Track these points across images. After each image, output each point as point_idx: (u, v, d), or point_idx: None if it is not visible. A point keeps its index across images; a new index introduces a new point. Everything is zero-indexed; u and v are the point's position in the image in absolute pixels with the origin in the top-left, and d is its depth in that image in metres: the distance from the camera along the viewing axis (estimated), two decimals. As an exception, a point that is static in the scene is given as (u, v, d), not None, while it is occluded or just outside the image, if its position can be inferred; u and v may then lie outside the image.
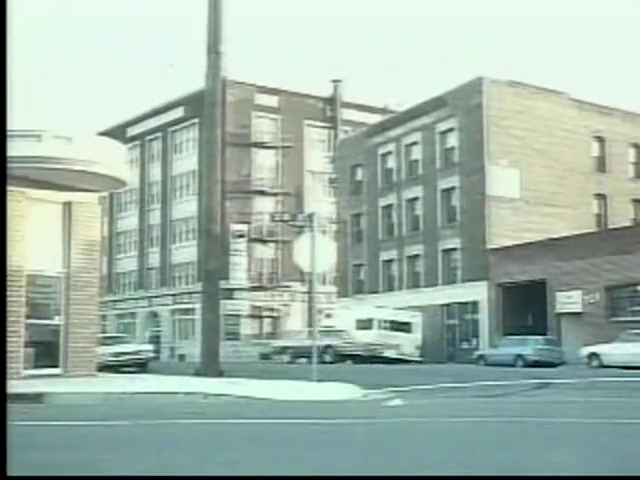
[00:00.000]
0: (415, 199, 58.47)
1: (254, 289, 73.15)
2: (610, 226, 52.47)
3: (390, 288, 59.52)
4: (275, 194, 75.17)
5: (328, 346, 45.01)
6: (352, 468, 6.44)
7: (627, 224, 51.99)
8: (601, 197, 56.13)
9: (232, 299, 68.66)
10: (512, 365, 38.22)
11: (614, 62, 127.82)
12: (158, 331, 77.52)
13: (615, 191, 55.86)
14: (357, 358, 45.60)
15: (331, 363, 42.67)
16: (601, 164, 56.79)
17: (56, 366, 20.75)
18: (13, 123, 16.28)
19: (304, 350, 42.92)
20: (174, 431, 9.70)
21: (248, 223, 73.64)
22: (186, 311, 72.33)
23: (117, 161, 21.67)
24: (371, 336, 47.38)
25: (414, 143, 58.81)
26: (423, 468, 6.45)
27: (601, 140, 56.76)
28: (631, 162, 58.18)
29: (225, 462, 6.81)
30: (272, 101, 76.29)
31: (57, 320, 21.06)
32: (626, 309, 44.25)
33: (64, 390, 15.98)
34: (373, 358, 45.37)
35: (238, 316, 70.77)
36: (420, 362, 46.14)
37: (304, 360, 42.11)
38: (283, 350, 51.38)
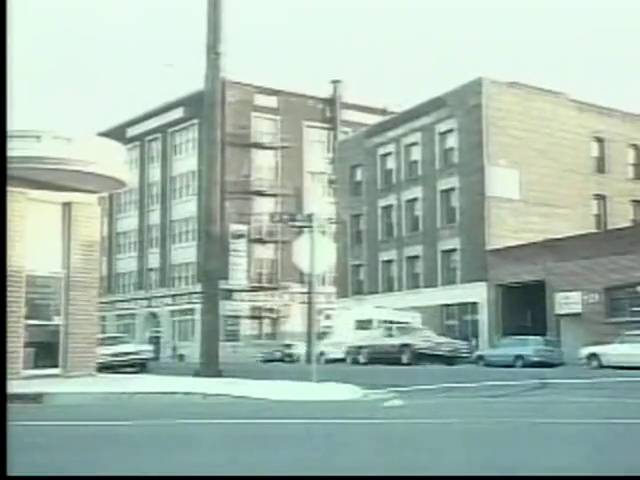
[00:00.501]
0: (414, 200, 58.49)
1: (253, 290, 73.22)
2: (609, 227, 52.48)
3: (389, 289, 59.54)
4: (274, 195, 75.24)
5: (405, 345, 41.29)
6: (349, 468, 6.43)
7: (626, 225, 51.98)
8: (600, 198, 56.16)
9: (232, 300, 68.73)
10: (511, 365, 38.16)
11: (613, 63, 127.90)
12: (158, 331, 77.58)
13: (614, 192, 55.88)
14: (436, 359, 40.49)
15: (408, 364, 39.56)
16: (600, 165, 56.82)
17: (56, 366, 20.76)
18: (13, 124, 16.30)
19: (381, 350, 42.00)
20: (173, 431, 9.70)
21: (247, 224, 73.72)
22: (186, 312, 72.37)
23: (116, 162, 21.67)
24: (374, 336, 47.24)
25: (414, 144, 58.83)
26: (420, 468, 6.45)
27: (600, 141, 56.80)
28: (630, 163, 58.22)
29: (223, 462, 6.81)
30: (271, 102, 76.38)
31: (56, 320, 21.06)
32: (626, 310, 44.22)
33: (63, 390, 15.98)
34: (452, 359, 40.84)
35: (238, 317, 70.85)
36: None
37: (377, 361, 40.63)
38: (358, 350, 44.85)
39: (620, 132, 56.73)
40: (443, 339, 43.84)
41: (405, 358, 40.59)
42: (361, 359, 43.93)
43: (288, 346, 60.73)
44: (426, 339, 42.34)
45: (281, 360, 56.73)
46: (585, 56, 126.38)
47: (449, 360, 40.53)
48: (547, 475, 5.99)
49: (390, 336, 43.30)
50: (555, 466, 6.46)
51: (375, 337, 44.63)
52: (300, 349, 57.46)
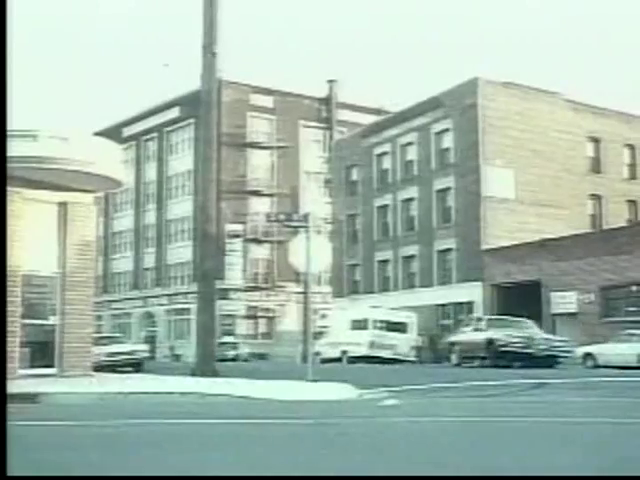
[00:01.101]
0: (410, 199, 58.53)
1: (249, 289, 73.27)
2: (605, 227, 52.55)
3: (385, 288, 59.58)
4: (270, 194, 75.28)
5: (490, 342, 34.63)
6: (345, 467, 6.45)
7: (622, 225, 52.04)
8: (596, 198, 56.23)
9: (227, 299, 68.74)
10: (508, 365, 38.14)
11: (609, 63, 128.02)
12: (153, 331, 77.57)
13: (610, 192, 55.94)
14: (525, 358, 33.35)
15: (505, 367, 31.60)
16: (596, 165, 56.88)
17: (51, 366, 20.76)
18: (9, 123, 16.32)
19: (473, 347, 36.22)
20: (168, 431, 9.71)
21: (243, 223, 73.75)
22: (181, 311, 72.40)
23: (113, 161, 21.68)
24: (368, 336, 47.24)
25: (409, 143, 58.89)
26: (416, 466, 6.47)
27: (596, 141, 56.87)
28: (626, 163, 58.29)
29: (219, 462, 6.82)
30: (267, 101, 76.43)
31: (52, 320, 21.07)
32: (621, 309, 44.31)
33: (59, 390, 15.99)
34: (547, 359, 33.21)
35: (234, 316, 70.86)
36: (415, 362, 46.11)
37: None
38: (451, 348, 39.78)
39: (616, 132, 56.79)
40: (541, 333, 36.09)
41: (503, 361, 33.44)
42: (454, 359, 38.00)
43: (234, 345, 61.45)
44: (513, 334, 34.46)
45: (233, 360, 56.15)
46: (581, 56, 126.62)
47: (543, 361, 32.47)
48: (548, 475, 6.00)
49: (479, 330, 36.92)
50: (550, 465, 6.48)
51: (464, 332, 38.41)
52: (243, 349, 58.18)
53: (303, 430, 9.75)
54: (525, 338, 34.07)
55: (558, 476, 5.95)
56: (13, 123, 17.38)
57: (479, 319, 39.97)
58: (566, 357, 34.21)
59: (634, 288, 43.95)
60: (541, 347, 33.87)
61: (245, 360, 58.53)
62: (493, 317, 41.11)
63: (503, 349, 33.60)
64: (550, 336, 36.55)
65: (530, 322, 37.53)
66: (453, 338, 40.09)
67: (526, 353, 33.35)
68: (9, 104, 13.36)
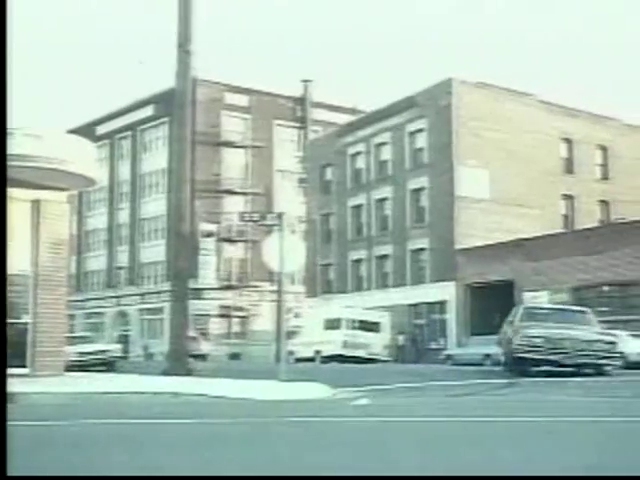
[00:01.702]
0: (384, 199, 58.67)
1: (223, 288, 73.09)
2: (577, 227, 52.89)
3: (359, 288, 59.69)
4: (244, 193, 75.17)
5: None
6: (316, 467, 6.47)
7: (594, 225, 52.40)
8: (569, 198, 56.61)
9: (201, 299, 68.49)
10: (480, 364, 38.34)
11: (582, 64, 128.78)
12: (127, 330, 77.27)
13: (583, 192, 56.34)
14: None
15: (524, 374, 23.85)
16: (569, 165, 57.29)
17: (24, 366, 20.63)
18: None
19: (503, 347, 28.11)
20: (139, 430, 9.70)
21: (217, 223, 73.60)
22: (155, 310, 72.11)
23: (86, 159, 21.59)
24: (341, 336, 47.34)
25: (384, 143, 59.03)
26: (387, 465, 6.50)
27: (569, 142, 57.26)
28: (598, 164, 58.72)
29: (189, 462, 6.81)
30: (242, 100, 76.32)
31: (25, 319, 20.95)
32: (593, 309, 44.48)
33: (32, 390, 15.91)
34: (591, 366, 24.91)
35: (207, 316, 70.68)
36: (388, 362, 46.23)
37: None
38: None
39: (588, 133, 57.20)
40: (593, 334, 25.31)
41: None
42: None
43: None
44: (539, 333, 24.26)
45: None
46: (554, 57, 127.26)
47: (577, 369, 24.53)
48: (547, 475, 6.03)
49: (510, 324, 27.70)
50: (508, 464, 6.53)
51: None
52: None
53: (272, 429, 9.75)
54: (557, 340, 24.31)
55: (558, 476, 5.99)
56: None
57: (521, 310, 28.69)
58: (614, 365, 24.46)
59: (606, 288, 44.25)
60: (578, 352, 24.05)
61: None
62: (539, 307, 32.01)
63: (519, 354, 24.60)
64: (602, 337, 24.96)
65: (590, 316, 27.48)
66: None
67: (550, 360, 24.45)
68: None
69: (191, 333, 63.23)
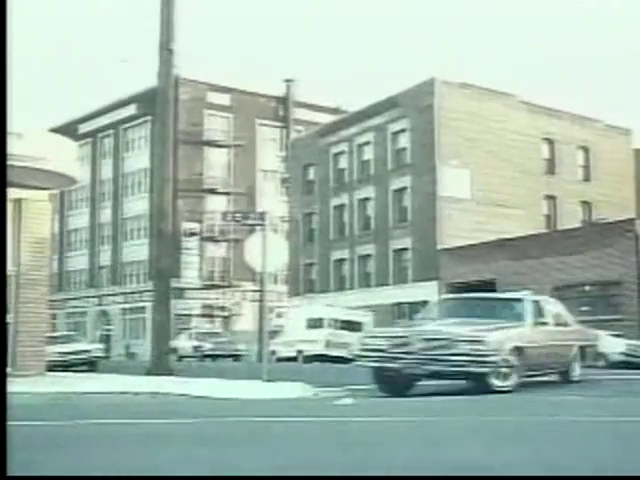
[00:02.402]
0: (367, 199, 58.71)
1: (205, 288, 73.06)
2: (559, 227, 53.08)
3: (341, 287, 59.70)
4: (227, 193, 75.15)
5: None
6: (301, 466, 6.46)
7: (576, 225, 52.59)
8: (551, 198, 56.79)
9: (183, 298, 68.47)
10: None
11: (564, 64, 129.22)
12: (109, 330, 77.08)
13: (564, 193, 56.55)
14: None
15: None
16: (551, 166, 57.47)
17: (4, 365, 20.53)
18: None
19: None
20: (118, 431, 9.67)
21: (200, 222, 73.57)
22: (137, 310, 72.01)
23: (67, 158, 21.51)
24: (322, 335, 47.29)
25: (366, 143, 59.05)
26: (370, 463, 6.51)
27: (551, 142, 57.43)
28: (580, 165, 58.95)
29: (168, 461, 6.78)
30: (224, 99, 76.28)
31: (6, 319, 20.84)
32: (573, 309, 44.52)
33: (12, 390, 15.83)
34: None
35: (189, 315, 70.58)
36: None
37: None
38: None
39: (570, 134, 57.39)
40: None
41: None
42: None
43: None
44: None
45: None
46: (536, 58, 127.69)
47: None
48: (548, 475, 6.02)
49: None
50: (500, 463, 6.54)
51: None
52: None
53: (254, 428, 9.72)
54: (402, 340, 16.72)
55: (558, 476, 5.97)
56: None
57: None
58: (481, 373, 16.24)
59: (587, 288, 44.41)
60: (430, 356, 16.18)
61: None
62: (456, 298, 24.43)
63: (359, 362, 17.61)
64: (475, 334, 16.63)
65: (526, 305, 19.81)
66: None
67: (391, 368, 16.70)
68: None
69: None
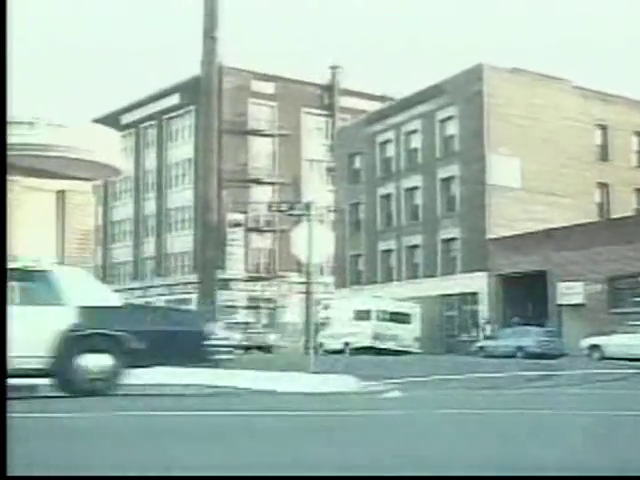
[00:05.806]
0: (414, 188, 58.05)
1: (251, 279, 72.83)
2: (612, 216, 52.03)
3: (388, 279, 59.14)
4: (272, 183, 74.82)
5: None
6: (345, 463, 6.10)
7: (629, 214, 51.54)
8: (603, 186, 55.66)
9: (228, 289, 68.24)
10: (512, 356, 37.78)
11: (618, 49, 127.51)
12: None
13: (618, 180, 55.33)
14: None
15: None
16: (604, 153, 56.31)
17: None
18: (7, 110, 15.74)
19: None
20: (170, 423, 9.26)
21: (245, 212, 73.29)
22: (182, 301, 71.87)
23: (111, 149, 21.21)
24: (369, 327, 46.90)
25: (413, 131, 58.36)
26: (422, 461, 6.25)
27: (604, 128, 56.18)
28: (634, 150, 57.65)
29: (221, 455, 6.52)
30: (269, 88, 75.89)
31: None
32: (628, 300, 43.83)
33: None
34: None
35: (234, 307, 70.36)
36: (419, 354, 45.71)
37: None
38: None
39: (624, 119, 56.05)
40: None
41: None
42: None
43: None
44: None
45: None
46: (589, 42, 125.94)
47: None
48: (548, 475, 5.74)
49: None
50: (555, 460, 6.19)
51: None
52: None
53: (306, 423, 9.46)
54: None
55: (558, 476, 5.72)
56: (12, 111, 16.86)
57: None
58: None
59: (640, 279, 43.49)
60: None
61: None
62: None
63: None
64: None
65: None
66: None
67: None
68: (11, 92, 12.85)
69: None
